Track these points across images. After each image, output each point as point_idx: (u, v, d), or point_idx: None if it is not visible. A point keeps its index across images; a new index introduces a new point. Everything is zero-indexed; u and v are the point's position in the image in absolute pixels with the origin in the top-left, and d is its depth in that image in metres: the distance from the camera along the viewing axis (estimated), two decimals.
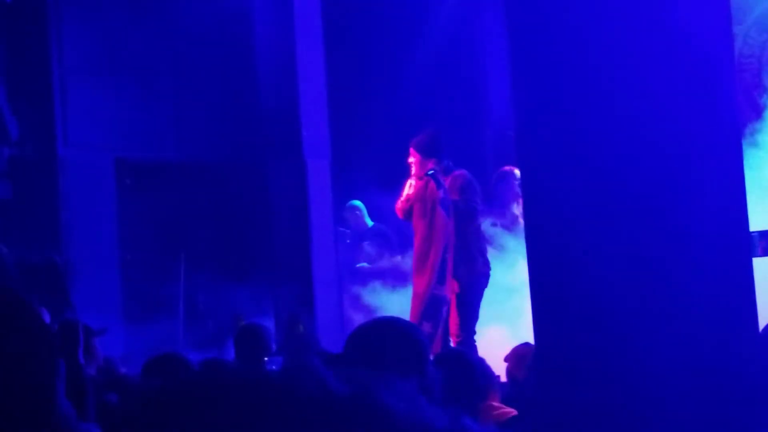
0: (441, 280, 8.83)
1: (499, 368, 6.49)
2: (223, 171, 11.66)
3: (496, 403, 5.41)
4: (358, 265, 11.21)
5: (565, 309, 4.02)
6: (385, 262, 11.17)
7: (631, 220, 3.91)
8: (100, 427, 2.90)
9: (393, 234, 11.22)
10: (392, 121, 11.36)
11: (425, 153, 9.04)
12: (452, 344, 8.81)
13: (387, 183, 10.25)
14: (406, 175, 9.20)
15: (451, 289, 8.90)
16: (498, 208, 10.48)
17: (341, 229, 11.21)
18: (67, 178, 10.88)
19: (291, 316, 8.69)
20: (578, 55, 3.99)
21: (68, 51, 11.05)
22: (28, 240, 9.65)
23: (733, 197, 3.98)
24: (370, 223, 11.49)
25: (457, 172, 9.12)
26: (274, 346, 7.56)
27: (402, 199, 9.15)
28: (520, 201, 9.56)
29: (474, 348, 8.62)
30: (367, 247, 11.32)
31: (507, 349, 6.90)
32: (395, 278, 10.76)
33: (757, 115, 10.74)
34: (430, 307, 8.83)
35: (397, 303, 10.13)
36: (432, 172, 8.95)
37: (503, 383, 6.41)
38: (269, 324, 8.70)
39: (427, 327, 8.65)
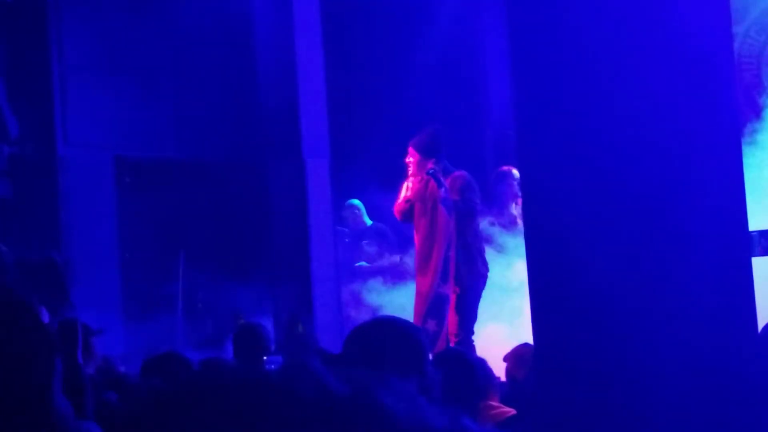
0: (444, 278, 8.85)
1: (498, 368, 6.49)
2: (222, 170, 11.66)
3: (494, 403, 5.41)
4: (357, 264, 11.21)
5: (564, 309, 4.02)
6: (384, 261, 11.18)
7: (630, 219, 3.91)
8: (99, 425, 2.90)
9: (392, 233, 11.22)
10: (392, 120, 11.35)
11: (425, 153, 9.04)
12: (450, 344, 8.81)
13: (386, 182, 10.24)
14: (405, 174, 9.20)
15: (451, 289, 8.91)
16: (497, 207, 10.49)
17: (340, 228, 11.21)
18: (67, 177, 10.88)
19: (290, 315, 8.70)
20: (578, 55, 3.99)
21: (68, 50, 11.05)
22: (27, 238, 9.66)
23: (733, 197, 3.98)
24: (369, 222, 11.49)
25: (457, 173, 9.12)
26: (272, 346, 7.56)
27: (400, 201, 9.15)
28: (519, 201, 9.58)
29: (472, 348, 8.63)
30: (366, 246, 11.32)
31: (506, 349, 6.91)
32: (394, 277, 10.77)
33: (757, 114, 10.75)
34: (434, 305, 8.85)
35: (396, 302, 10.13)
36: (432, 171, 8.95)
37: (502, 383, 6.41)
38: (268, 323, 8.70)
39: (431, 325, 8.67)
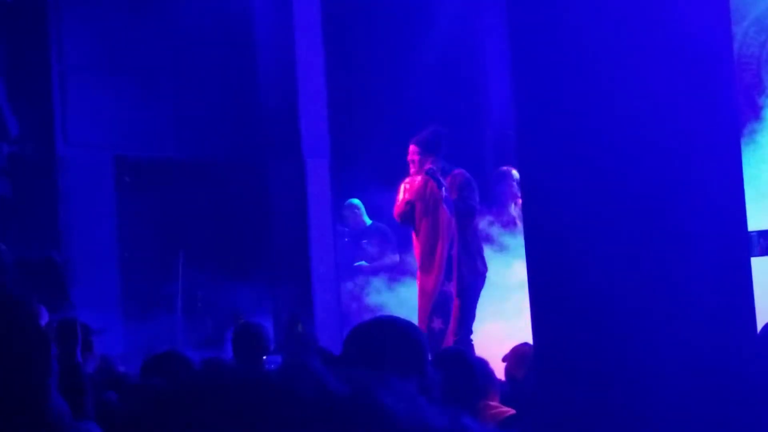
0: (448, 276, 8.87)
1: (497, 367, 6.49)
2: (222, 170, 11.67)
3: (494, 403, 5.41)
4: (356, 264, 11.21)
5: (563, 308, 4.02)
6: (383, 261, 11.18)
7: (629, 219, 3.91)
8: (99, 425, 2.90)
9: (392, 232, 11.22)
10: (392, 120, 11.36)
11: (426, 149, 9.04)
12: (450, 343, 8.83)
13: (386, 182, 10.24)
14: (405, 173, 9.20)
15: (454, 288, 8.92)
16: (496, 207, 10.49)
17: (340, 227, 11.21)
18: (67, 176, 10.88)
19: (290, 315, 8.70)
20: (578, 55, 3.99)
21: (68, 49, 11.05)
22: (27, 238, 9.66)
23: (732, 197, 3.98)
24: (368, 221, 11.49)
25: (456, 171, 9.13)
26: (272, 346, 7.56)
27: (399, 203, 9.15)
28: (518, 201, 9.58)
29: (471, 347, 8.64)
30: (366, 245, 11.32)
31: (505, 348, 6.90)
32: (394, 276, 10.77)
33: (756, 115, 10.75)
34: (439, 303, 8.87)
35: (396, 301, 10.14)
36: (431, 170, 8.95)
37: (502, 383, 6.41)
38: (268, 323, 8.70)
39: (437, 323, 8.69)
